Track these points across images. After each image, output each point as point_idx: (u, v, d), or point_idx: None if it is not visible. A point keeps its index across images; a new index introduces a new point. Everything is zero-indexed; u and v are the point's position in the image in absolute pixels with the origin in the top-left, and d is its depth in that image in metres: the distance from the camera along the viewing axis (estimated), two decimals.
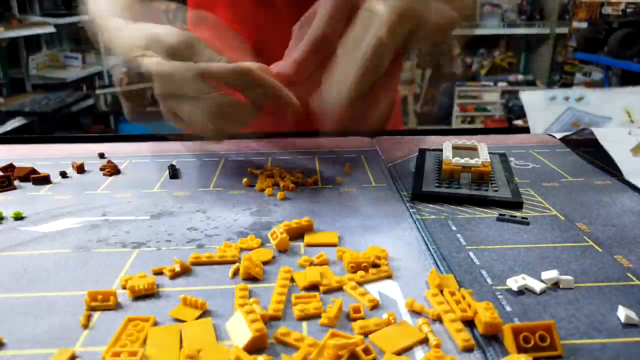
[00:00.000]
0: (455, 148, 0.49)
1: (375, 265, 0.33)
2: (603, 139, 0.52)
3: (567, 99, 0.66)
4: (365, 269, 0.32)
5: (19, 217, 0.40)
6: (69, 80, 3.32)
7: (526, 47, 3.92)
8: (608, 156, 0.50)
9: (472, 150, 0.49)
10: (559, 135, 0.61)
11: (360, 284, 0.31)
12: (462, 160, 0.45)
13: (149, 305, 0.29)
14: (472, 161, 0.45)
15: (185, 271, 0.33)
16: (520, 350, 0.25)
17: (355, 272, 0.32)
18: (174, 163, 0.52)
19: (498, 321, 0.26)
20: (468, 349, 0.26)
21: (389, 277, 0.32)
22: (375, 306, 0.29)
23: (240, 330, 0.26)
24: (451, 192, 0.44)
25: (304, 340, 0.26)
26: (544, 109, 0.66)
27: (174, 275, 0.32)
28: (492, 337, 0.27)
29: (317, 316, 0.28)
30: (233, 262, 0.34)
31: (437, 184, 0.45)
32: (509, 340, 0.26)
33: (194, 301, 0.29)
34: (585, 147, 0.57)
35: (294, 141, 0.60)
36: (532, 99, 0.67)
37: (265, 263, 0.34)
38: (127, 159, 0.54)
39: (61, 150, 0.58)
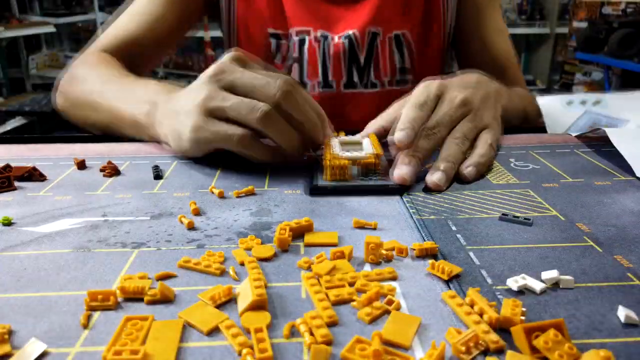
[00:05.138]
0: (343, 144, 0.51)
1: (388, 260, 0.34)
2: (614, 138, 0.52)
3: (584, 103, 0.66)
4: (380, 256, 0.33)
5: (7, 223, 0.39)
6: None
7: (526, 47, 3.92)
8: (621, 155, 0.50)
9: (358, 144, 0.51)
10: (575, 134, 0.61)
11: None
12: (350, 154, 0.47)
13: (148, 305, 0.29)
14: (359, 154, 0.47)
15: (165, 298, 0.30)
16: (534, 350, 0.25)
17: (375, 260, 0.34)
18: (156, 164, 0.52)
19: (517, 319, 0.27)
20: (499, 350, 0.26)
21: (394, 278, 0.32)
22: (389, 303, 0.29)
23: (245, 294, 0.29)
24: (341, 185, 0.46)
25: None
26: (561, 112, 0.66)
27: (153, 302, 0.30)
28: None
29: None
30: (218, 273, 0.33)
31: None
32: (521, 341, 0.26)
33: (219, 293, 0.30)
34: (603, 146, 0.56)
35: None
36: (549, 104, 0.67)
37: (266, 260, 0.34)
38: (128, 160, 0.54)
39: (61, 150, 0.58)
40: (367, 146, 0.49)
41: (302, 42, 0.78)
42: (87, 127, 0.66)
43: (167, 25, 0.77)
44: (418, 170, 0.47)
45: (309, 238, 0.37)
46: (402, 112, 0.49)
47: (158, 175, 0.49)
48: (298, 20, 0.78)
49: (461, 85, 0.52)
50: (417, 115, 0.48)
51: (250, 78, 0.46)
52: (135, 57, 0.74)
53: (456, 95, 0.51)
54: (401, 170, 0.46)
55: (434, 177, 0.46)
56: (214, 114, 0.46)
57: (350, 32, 0.77)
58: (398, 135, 0.46)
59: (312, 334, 0.26)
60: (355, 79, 0.80)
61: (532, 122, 0.71)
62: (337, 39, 0.77)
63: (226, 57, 0.48)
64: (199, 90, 0.47)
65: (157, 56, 0.80)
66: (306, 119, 0.47)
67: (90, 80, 0.67)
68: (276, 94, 0.45)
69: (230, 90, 0.46)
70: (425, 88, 0.51)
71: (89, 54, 0.74)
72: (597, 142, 0.59)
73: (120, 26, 0.77)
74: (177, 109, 0.49)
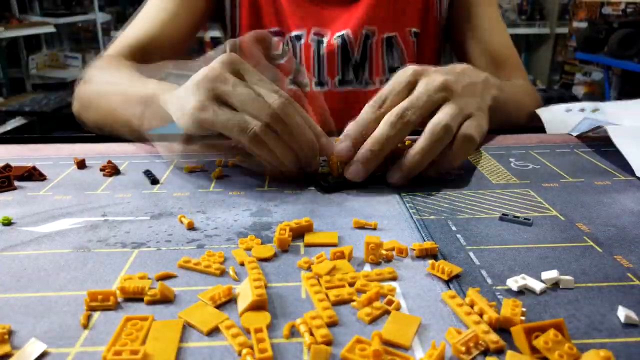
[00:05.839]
0: None
1: (387, 260, 0.34)
2: (615, 136, 0.52)
3: (582, 110, 0.67)
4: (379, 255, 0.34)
5: (7, 223, 0.39)
6: (69, 80, 3.32)
7: (526, 47, 3.92)
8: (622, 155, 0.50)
9: None
10: (575, 134, 0.61)
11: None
12: None
13: (148, 305, 0.29)
14: None
15: (165, 298, 0.30)
16: (534, 350, 0.25)
17: (375, 259, 0.34)
18: (147, 169, 0.51)
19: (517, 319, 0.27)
20: (499, 350, 0.26)
21: (394, 279, 0.32)
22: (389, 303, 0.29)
23: (245, 294, 0.29)
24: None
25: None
26: (561, 119, 0.66)
27: (153, 302, 0.30)
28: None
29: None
30: (218, 273, 0.33)
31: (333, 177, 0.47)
32: (521, 341, 0.26)
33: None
34: (603, 146, 0.56)
35: None
36: (549, 112, 0.68)
37: (266, 260, 0.34)
38: (127, 159, 0.54)
39: (61, 150, 0.58)
40: None
41: (297, 42, 0.79)
42: (95, 129, 0.66)
43: (180, 23, 0.76)
44: (375, 165, 0.45)
45: (309, 238, 0.37)
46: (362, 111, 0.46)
47: (155, 180, 0.48)
48: (295, 21, 0.79)
49: (443, 71, 0.48)
50: (370, 117, 0.46)
51: (242, 93, 0.43)
52: (149, 58, 0.73)
53: (435, 79, 0.46)
54: (355, 167, 0.44)
55: (393, 178, 0.45)
56: (203, 125, 0.43)
57: (344, 32, 0.78)
58: (338, 148, 0.45)
59: (312, 334, 0.26)
60: (350, 76, 0.80)
61: (529, 117, 0.69)
62: (331, 39, 0.78)
63: (219, 62, 0.44)
64: (189, 98, 0.44)
65: (170, 56, 0.79)
66: (301, 138, 0.43)
67: (95, 80, 0.67)
68: (269, 112, 0.42)
69: (221, 101, 0.43)
70: (397, 76, 0.47)
71: (101, 57, 0.74)
72: (597, 142, 0.59)
73: (134, 28, 0.77)
74: (169, 108, 0.48)
